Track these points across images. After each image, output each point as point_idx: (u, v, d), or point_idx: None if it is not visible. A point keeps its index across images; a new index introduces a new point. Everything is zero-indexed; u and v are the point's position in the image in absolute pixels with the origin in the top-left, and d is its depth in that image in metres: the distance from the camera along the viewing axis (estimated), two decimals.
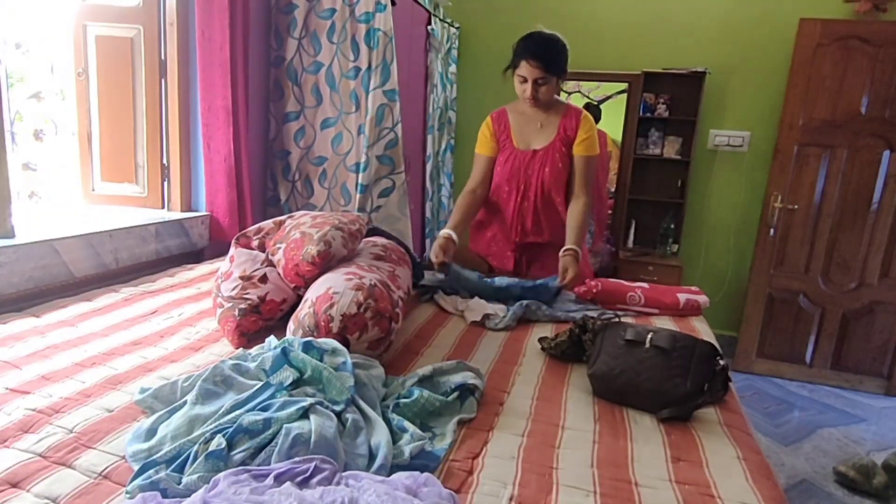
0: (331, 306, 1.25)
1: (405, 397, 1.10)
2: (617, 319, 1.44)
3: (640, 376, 1.18)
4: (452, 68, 3.65)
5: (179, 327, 1.48)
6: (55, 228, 1.73)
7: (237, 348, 1.35)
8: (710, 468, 0.99)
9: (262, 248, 1.63)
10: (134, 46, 2.11)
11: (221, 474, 0.80)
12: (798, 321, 3.17)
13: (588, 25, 3.46)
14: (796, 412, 2.83)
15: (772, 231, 3.11)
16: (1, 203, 1.56)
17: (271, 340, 1.22)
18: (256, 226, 1.70)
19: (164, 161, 2.20)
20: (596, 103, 3.54)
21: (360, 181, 2.45)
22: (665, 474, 0.96)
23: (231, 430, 0.89)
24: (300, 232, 1.52)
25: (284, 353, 1.09)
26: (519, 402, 1.20)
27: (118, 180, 2.20)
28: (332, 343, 1.15)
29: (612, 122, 3.54)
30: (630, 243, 3.50)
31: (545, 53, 1.92)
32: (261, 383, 1.04)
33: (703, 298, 1.89)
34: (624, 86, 3.46)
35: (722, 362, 1.22)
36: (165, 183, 2.22)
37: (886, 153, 2.92)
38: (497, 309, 1.71)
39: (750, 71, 3.27)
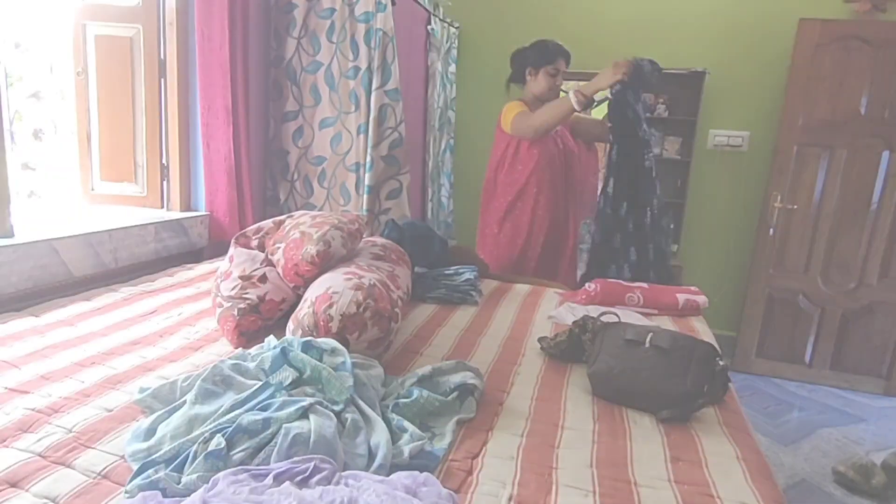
0: (330, 306, 1.25)
1: (405, 397, 1.10)
2: (617, 319, 1.44)
3: (639, 376, 1.18)
4: (452, 68, 3.65)
5: (179, 327, 1.48)
6: (54, 228, 1.72)
7: (236, 348, 1.35)
8: (710, 468, 0.99)
9: (261, 247, 1.63)
10: (133, 46, 2.11)
11: (221, 474, 0.80)
12: (797, 321, 3.17)
13: (587, 25, 3.46)
14: (795, 412, 2.83)
15: (771, 231, 3.11)
16: (0, 203, 1.56)
17: (270, 340, 1.22)
18: (256, 225, 1.70)
19: (164, 161, 2.20)
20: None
21: (365, 182, 2.44)
22: (664, 474, 0.96)
23: (230, 429, 0.89)
24: (299, 232, 1.52)
25: (284, 352, 1.09)
26: (518, 402, 1.20)
27: (117, 180, 2.20)
28: (332, 343, 1.15)
29: None
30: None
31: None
32: (260, 383, 1.04)
33: (702, 298, 1.89)
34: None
35: (721, 363, 1.22)
36: (165, 182, 2.22)
37: (886, 153, 2.92)
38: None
39: (749, 71, 3.27)
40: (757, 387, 3.10)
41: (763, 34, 3.20)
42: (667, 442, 1.07)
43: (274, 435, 0.89)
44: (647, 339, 1.22)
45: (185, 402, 1.01)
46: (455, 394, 1.13)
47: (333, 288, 1.29)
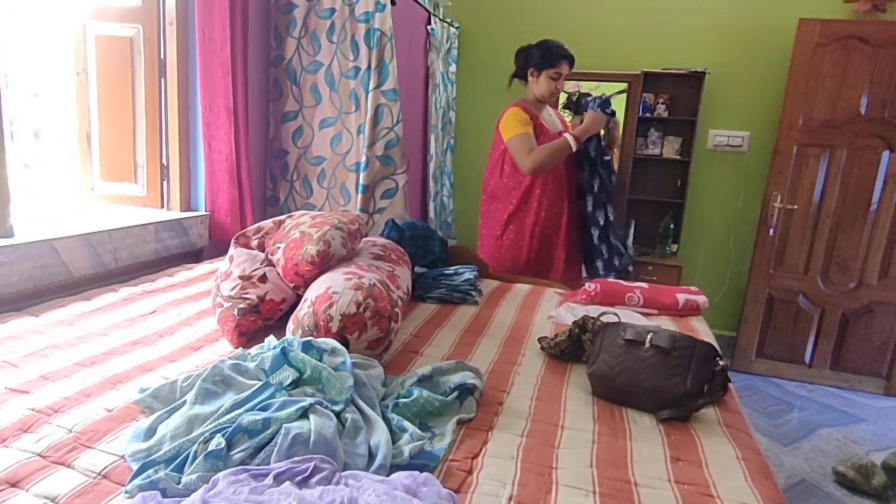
0: (330, 306, 1.25)
1: (405, 397, 1.10)
2: (617, 319, 1.44)
3: (639, 376, 1.18)
4: (452, 68, 3.65)
5: (179, 327, 1.48)
6: (54, 228, 1.72)
7: (236, 348, 1.35)
8: (710, 468, 0.99)
9: (261, 247, 1.63)
10: (133, 46, 2.11)
11: (221, 474, 0.80)
12: (797, 321, 3.17)
13: (587, 25, 3.46)
14: (796, 412, 2.83)
15: (771, 231, 3.11)
16: (0, 202, 1.56)
17: (270, 340, 1.22)
18: (256, 225, 1.70)
19: (164, 160, 2.20)
20: (581, 93, 3.54)
21: (361, 181, 2.45)
22: (664, 474, 0.96)
23: (230, 429, 0.89)
24: (300, 231, 1.52)
25: (284, 352, 1.09)
26: (518, 401, 1.20)
27: (117, 180, 2.20)
28: (332, 343, 1.15)
29: None
30: (629, 243, 3.50)
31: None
32: (260, 383, 1.04)
33: (702, 299, 1.89)
34: (623, 86, 3.46)
35: (721, 363, 1.22)
36: (165, 182, 2.22)
37: (886, 153, 2.92)
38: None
39: (749, 71, 3.27)
40: (757, 387, 3.10)
41: (763, 34, 3.20)
42: (667, 442, 1.07)
43: (274, 435, 0.89)
44: (647, 339, 1.22)
45: (185, 402, 1.01)
46: (455, 394, 1.14)
47: (333, 288, 1.29)
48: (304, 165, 2.57)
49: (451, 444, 1.01)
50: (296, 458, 0.84)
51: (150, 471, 0.84)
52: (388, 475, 0.86)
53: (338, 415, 0.98)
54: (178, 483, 0.82)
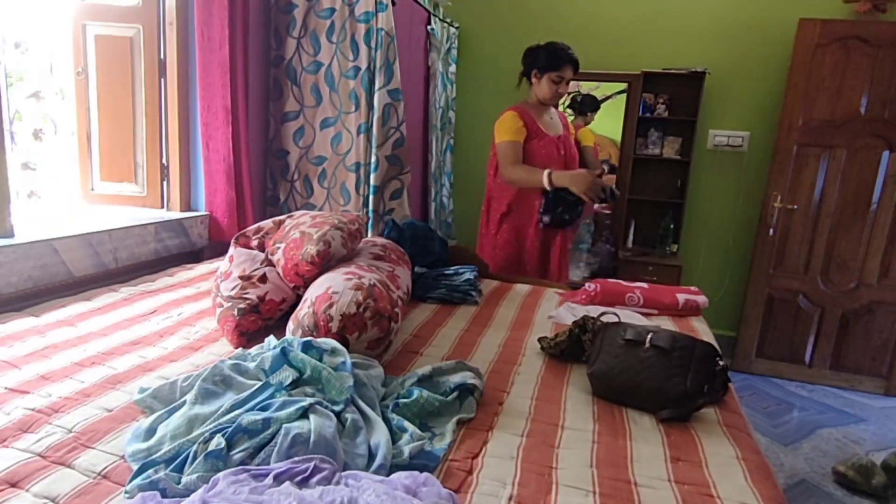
0: (330, 306, 1.25)
1: (405, 397, 1.10)
2: (617, 319, 1.44)
3: (639, 376, 1.18)
4: (452, 68, 3.65)
5: (179, 327, 1.48)
6: (54, 228, 1.72)
7: (236, 348, 1.35)
8: (710, 468, 0.99)
9: (261, 247, 1.63)
10: (133, 46, 2.11)
11: (221, 474, 0.80)
12: (797, 321, 3.17)
13: (587, 25, 3.46)
14: (795, 412, 2.83)
15: (771, 231, 3.11)
16: (0, 202, 1.56)
17: (270, 340, 1.22)
18: (256, 225, 1.70)
19: (164, 161, 2.20)
20: (584, 94, 3.54)
21: (371, 182, 2.44)
22: (664, 474, 0.96)
23: (230, 429, 0.89)
24: (299, 232, 1.52)
25: (284, 352, 1.09)
26: (518, 401, 1.20)
27: (117, 180, 2.20)
28: (332, 343, 1.15)
29: (612, 123, 3.54)
30: (629, 243, 3.50)
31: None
32: (260, 383, 1.04)
33: (702, 299, 1.89)
34: (623, 86, 3.46)
35: (721, 363, 1.22)
36: (165, 182, 2.22)
37: (886, 153, 2.92)
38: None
39: (749, 71, 3.27)
40: (757, 387, 3.10)
41: (763, 34, 3.20)
42: (667, 442, 1.07)
43: (274, 435, 0.89)
44: (647, 339, 1.22)
45: (184, 402, 1.01)
46: (455, 394, 1.14)
47: (333, 288, 1.29)
48: (305, 165, 2.57)
49: (451, 444, 1.01)
50: (296, 459, 0.84)
51: (150, 471, 0.84)
52: (388, 475, 0.86)
53: (338, 415, 0.98)
54: (178, 483, 0.82)
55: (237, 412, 0.95)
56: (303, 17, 2.45)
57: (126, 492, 0.82)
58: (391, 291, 1.39)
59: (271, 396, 0.99)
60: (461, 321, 1.68)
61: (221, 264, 1.58)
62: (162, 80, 2.14)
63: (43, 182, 2.27)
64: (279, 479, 0.81)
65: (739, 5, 3.22)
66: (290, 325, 1.32)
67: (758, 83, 3.27)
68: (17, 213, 1.63)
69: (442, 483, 0.87)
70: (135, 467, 0.86)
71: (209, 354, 1.32)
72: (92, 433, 0.96)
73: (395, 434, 1.00)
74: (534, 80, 2.34)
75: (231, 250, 1.60)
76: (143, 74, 2.12)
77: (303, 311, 1.30)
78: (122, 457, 0.91)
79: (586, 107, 3.49)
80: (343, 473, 0.84)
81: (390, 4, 2.38)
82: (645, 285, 1.96)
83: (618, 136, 3.55)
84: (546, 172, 2.18)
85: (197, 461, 0.84)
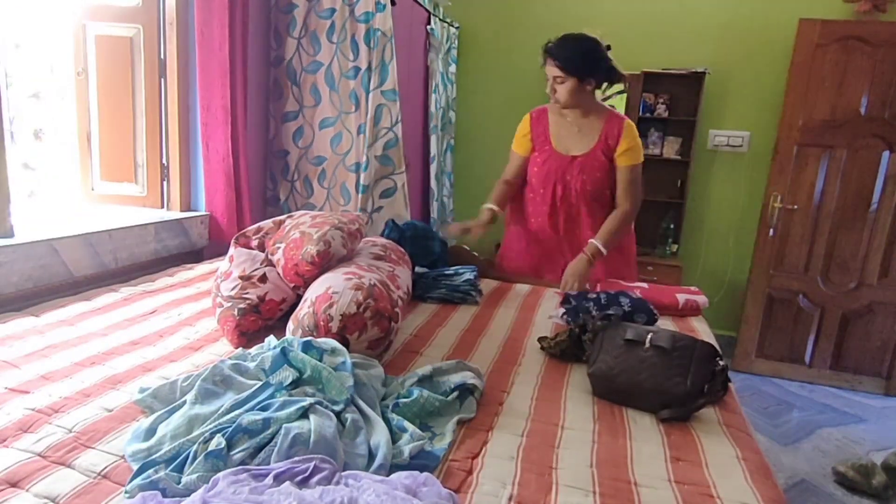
0: (330, 306, 1.25)
1: (405, 397, 1.10)
2: (617, 319, 1.44)
3: (639, 376, 1.18)
4: (452, 68, 3.65)
5: (179, 327, 1.48)
6: (54, 228, 1.72)
7: (236, 348, 1.35)
8: (710, 468, 0.99)
9: (261, 247, 1.63)
10: (133, 46, 2.11)
11: (221, 474, 0.80)
12: (797, 321, 3.17)
13: (587, 26, 3.45)
14: (796, 412, 2.83)
15: (771, 231, 3.11)
16: (0, 202, 1.56)
17: (271, 340, 1.22)
18: (256, 225, 1.70)
19: (164, 161, 2.20)
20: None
21: (361, 181, 2.45)
22: (664, 474, 0.96)
23: (230, 429, 0.89)
24: (300, 231, 1.52)
25: (284, 352, 1.09)
26: (518, 401, 1.20)
27: (118, 180, 2.20)
28: (332, 343, 1.15)
29: None
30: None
31: (562, 52, 1.94)
32: (260, 383, 1.04)
33: (702, 299, 1.89)
34: (623, 86, 3.46)
35: (722, 363, 1.22)
36: (165, 182, 2.22)
37: (886, 153, 2.92)
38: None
39: (749, 71, 3.27)
40: (757, 387, 3.10)
41: (763, 34, 3.20)
42: (667, 442, 1.07)
43: (274, 435, 0.89)
44: (648, 339, 1.22)
45: (185, 401, 1.01)
46: (455, 394, 1.13)
47: (334, 288, 1.29)
48: (304, 165, 2.57)
49: (451, 444, 1.01)
50: (296, 458, 0.84)
51: (150, 471, 0.84)
52: (388, 475, 0.86)
53: (338, 415, 0.98)
54: (178, 483, 0.82)
55: (237, 412, 0.95)
56: (303, 18, 2.45)
57: (126, 492, 0.82)
58: (391, 291, 1.39)
59: (271, 396, 0.99)
60: (461, 321, 1.68)
61: (221, 264, 1.58)
62: (162, 80, 2.14)
63: (43, 182, 2.27)
64: (279, 478, 0.81)
65: (739, 5, 3.22)
66: (290, 325, 1.32)
67: (758, 83, 3.27)
68: (17, 213, 1.63)
69: (442, 483, 0.87)
70: (135, 467, 0.86)
71: (209, 354, 1.32)
72: (92, 433, 0.96)
73: (395, 434, 1.00)
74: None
75: (231, 250, 1.60)
76: (143, 74, 2.12)
77: (303, 310, 1.30)
78: (123, 457, 0.91)
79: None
80: (343, 473, 0.84)
81: (389, 5, 2.38)
82: (645, 285, 1.96)
83: None
84: (486, 206, 1.99)
85: (197, 461, 0.84)
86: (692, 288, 1.95)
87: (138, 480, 0.82)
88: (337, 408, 0.99)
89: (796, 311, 3.16)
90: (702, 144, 3.38)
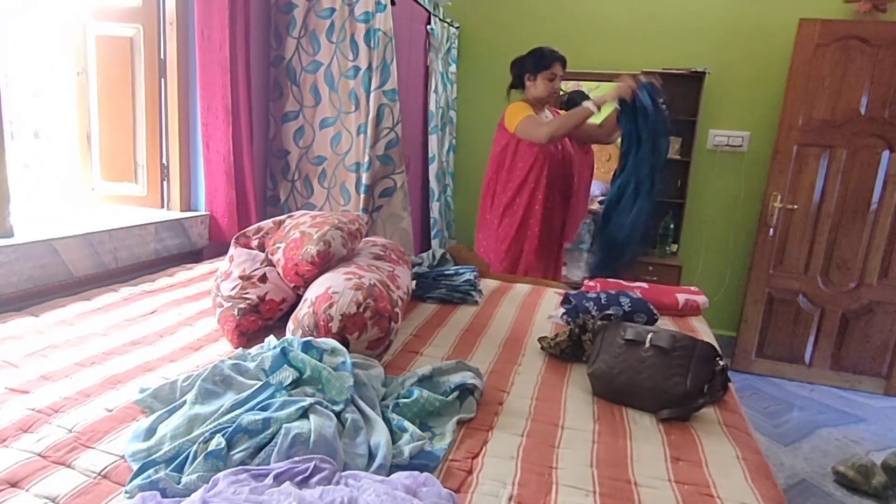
0: (330, 306, 1.25)
1: (405, 397, 1.10)
2: (617, 319, 1.44)
3: (639, 376, 1.18)
4: (452, 68, 3.65)
5: (179, 327, 1.48)
6: (54, 228, 1.72)
7: (236, 348, 1.35)
8: (710, 468, 0.99)
9: (261, 247, 1.63)
10: (134, 46, 2.11)
11: (221, 474, 0.80)
12: (797, 321, 3.17)
13: (587, 26, 3.46)
14: (795, 412, 2.83)
15: (771, 231, 3.11)
16: (0, 202, 1.56)
17: (270, 340, 1.22)
18: (256, 225, 1.70)
19: (164, 160, 2.20)
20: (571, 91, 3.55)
21: (363, 181, 2.45)
22: (664, 474, 0.96)
23: (230, 429, 0.89)
24: (300, 231, 1.52)
25: (284, 352, 1.09)
26: (518, 401, 1.20)
27: (118, 180, 2.20)
28: (332, 343, 1.15)
29: None
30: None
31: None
32: (260, 383, 1.04)
33: (702, 299, 1.89)
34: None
35: (721, 363, 1.22)
36: (165, 182, 2.22)
37: (886, 153, 2.92)
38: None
39: (749, 71, 3.27)
40: (757, 387, 3.10)
41: (763, 34, 3.20)
42: (667, 442, 1.07)
43: (274, 435, 0.89)
44: (648, 339, 1.22)
45: (185, 401, 1.01)
46: (455, 394, 1.14)
47: (334, 288, 1.29)
48: (305, 165, 2.57)
49: (451, 444, 1.01)
50: (296, 458, 0.84)
51: (150, 471, 0.84)
52: (388, 475, 0.86)
53: (338, 415, 0.98)
54: (178, 483, 0.82)
55: (237, 412, 0.95)
56: (303, 17, 2.45)
57: (126, 492, 0.82)
58: (391, 291, 1.39)
59: (271, 396, 0.99)
60: (461, 321, 1.68)
61: (221, 264, 1.58)
62: (162, 79, 2.14)
63: (43, 182, 2.27)
64: (279, 479, 0.81)
65: (739, 5, 3.22)
66: (290, 325, 1.32)
67: (758, 83, 3.27)
68: (16, 213, 1.63)
69: (442, 483, 0.87)
70: (135, 467, 0.86)
71: (209, 354, 1.32)
72: (92, 433, 0.96)
73: (395, 434, 1.00)
74: (528, 83, 2.48)
75: (231, 250, 1.60)
76: (143, 74, 2.12)
77: (303, 310, 1.30)
78: (122, 457, 0.91)
79: (575, 103, 3.49)
80: (343, 473, 0.84)
81: (389, 5, 2.38)
82: (645, 285, 1.96)
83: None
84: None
85: (197, 461, 0.84)
86: (692, 288, 1.95)
87: (138, 480, 0.82)
88: (337, 408, 0.99)
89: (796, 311, 3.16)
90: (702, 144, 3.38)
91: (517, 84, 2.53)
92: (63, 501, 0.80)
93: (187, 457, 0.86)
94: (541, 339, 1.49)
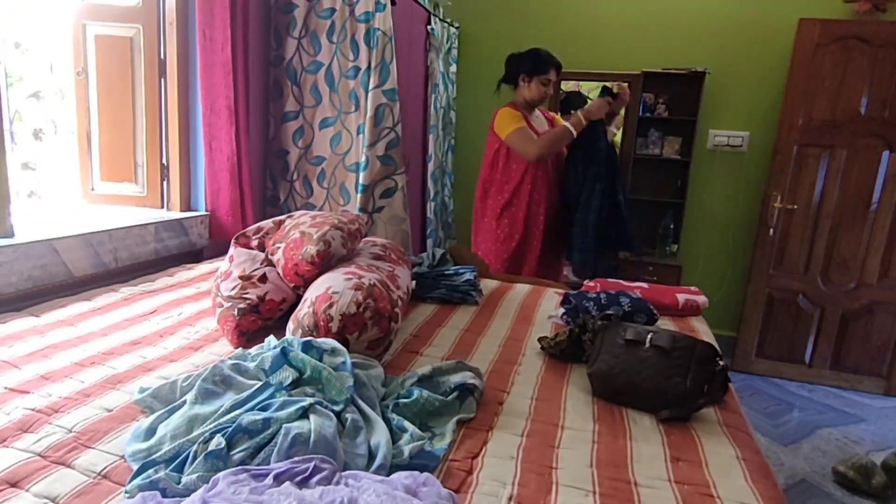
0: (330, 306, 1.25)
1: (405, 397, 1.10)
2: (617, 318, 1.44)
3: (639, 376, 1.18)
4: (452, 68, 3.65)
5: (179, 327, 1.48)
6: (54, 228, 1.72)
7: (236, 348, 1.35)
8: (710, 468, 0.99)
9: (261, 247, 1.63)
10: (133, 46, 2.11)
11: (221, 474, 0.80)
12: (797, 321, 3.17)
13: (587, 26, 3.46)
14: (796, 412, 2.83)
15: (771, 231, 3.11)
16: (0, 202, 1.56)
17: (271, 340, 1.22)
18: (256, 225, 1.70)
19: (164, 160, 2.20)
20: (569, 91, 3.58)
21: (360, 181, 2.44)
22: (664, 474, 0.96)
23: (230, 429, 0.89)
24: (300, 231, 1.52)
25: (284, 352, 1.09)
26: (518, 401, 1.20)
27: (117, 180, 2.20)
28: (332, 343, 1.15)
29: None
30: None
31: None
32: (260, 383, 1.04)
33: (702, 299, 1.89)
34: (623, 86, 3.46)
35: (721, 363, 1.22)
36: (165, 182, 2.22)
37: (886, 153, 2.92)
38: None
39: (749, 71, 3.27)
40: (757, 387, 3.10)
41: (763, 34, 3.20)
42: (667, 442, 1.07)
43: (274, 435, 0.89)
44: (648, 340, 1.22)
45: (185, 401, 1.01)
46: (455, 394, 1.14)
47: (333, 288, 1.29)
48: (304, 165, 2.57)
49: (451, 444, 1.01)
50: (296, 458, 0.84)
51: (150, 471, 0.84)
52: (388, 475, 0.86)
53: (338, 415, 0.98)
54: (178, 483, 0.82)
55: (237, 412, 0.95)
56: (303, 18, 2.45)
57: (126, 492, 0.82)
58: (391, 291, 1.39)
59: (271, 396, 0.99)
60: (461, 321, 1.68)
61: (221, 264, 1.58)
62: (162, 79, 2.14)
63: (43, 182, 2.27)
64: (279, 479, 0.81)
65: (739, 5, 3.22)
66: (290, 325, 1.32)
67: (758, 83, 3.27)
68: (17, 213, 1.63)
69: (442, 483, 0.87)
70: (135, 467, 0.86)
71: (209, 354, 1.32)
72: (92, 433, 0.96)
73: (395, 434, 1.00)
74: (522, 83, 2.50)
75: (231, 250, 1.60)
76: (143, 74, 2.12)
77: (303, 310, 1.30)
78: (122, 457, 0.91)
79: (572, 104, 3.53)
80: (343, 473, 0.84)
81: (389, 4, 2.38)
82: (645, 285, 1.96)
83: (618, 136, 3.54)
84: (565, 124, 2.42)
85: (197, 461, 0.84)
86: (692, 288, 1.95)
87: (138, 480, 0.82)
88: (337, 408, 0.99)
89: (796, 311, 3.16)
90: (702, 144, 3.38)
91: (509, 80, 2.55)
92: (63, 501, 0.80)
93: (187, 457, 0.86)
94: (541, 339, 1.49)
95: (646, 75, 3.30)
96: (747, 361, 3.26)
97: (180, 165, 2.20)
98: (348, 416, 0.98)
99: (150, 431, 0.95)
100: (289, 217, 1.68)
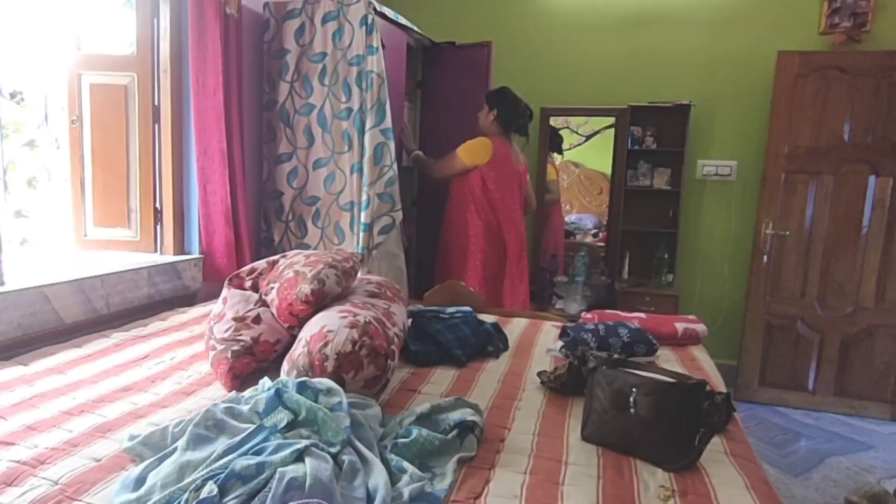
0: (325, 345, 1.23)
1: (403, 437, 1.07)
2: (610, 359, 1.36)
3: (631, 437, 1.12)
4: None
5: (171, 371, 1.45)
6: (46, 274, 1.71)
7: (230, 391, 1.32)
8: (719, 501, 0.96)
9: (255, 288, 1.62)
10: (128, 93, 2.14)
11: None
12: (798, 347, 3.15)
13: (574, 62, 3.55)
14: (803, 441, 2.78)
15: (765, 258, 3.12)
16: None
17: (265, 382, 1.20)
18: (249, 266, 1.69)
19: (157, 205, 2.20)
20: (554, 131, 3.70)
21: (362, 220, 2.45)
22: None
23: (223, 475, 0.86)
24: (294, 270, 1.51)
25: (278, 394, 1.06)
26: (520, 438, 1.17)
27: (110, 225, 2.20)
28: (327, 382, 1.13)
29: (601, 156, 3.60)
30: (625, 274, 3.50)
31: None
32: (254, 426, 1.01)
33: (701, 327, 1.88)
34: (611, 120, 3.53)
35: (718, 397, 1.18)
36: (158, 226, 2.22)
37: (872, 178, 2.97)
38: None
39: (733, 102, 3.35)
40: (762, 416, 3.05)
41: (744, 67, 3.29)
42: (674, 476, 1.04)
43: (268, 480, 0.86)
44: (632, 402, 1.12)
45: (176, 448, 0.98)
46: (455, 432, 1.11)
47: (328, 326, 1.27)
48: (299, 205, 2.58)
49: (453, 485, 0.98)
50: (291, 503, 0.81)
51: None
52: None
53: (334, 457, 0.95)
54: None
55: (230, 457, 0.92)
56: (295, 62, 2.50)
57: None
58: (387, 328, 1.38)
59: (265, 439, 0.96)
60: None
61: (215, 306, 1.57)
62: (156, 125, 2.17)
63: (36, 229, 2.27)
64: None
65: (720, 40, 3.32)
66: (285, 366, 1.30)
67: (742, 114, 3.34)
68: (8, 261, 1.62)
69: None
70: None
71: (202, 399, 1.29)
72: (79, 485, 0.93)
73: (393, 475, 0.97)
74: (489, 113, 2.80)
75: (224, 291, 1.59)
76: (137, 120, 2.15)
77: (297, 350, 1.28)
78: None
79: (558, 140, 3.67)
80: None
81: (381, 48, 2.44)
82: (643, 315, 1.95)
83: (608, 169, 3.59)
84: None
85: None
86: (691, 317, 1.94)
87: None
88: (333, 449, 0.96)
89: (796, 338, 3.14)
90: (691, 174, 3.43)
91: (488, 100, 2.82)
92: None
93: None
94: (540, 374, 1.47)
95: (633, 109, 3.37)
96: (750, 390, 3.22)
97: (174, 209, 2.21)
98: (345, 457, 0.95)
99: (140, 481, 0.92)
100: (283, 257, 1.68)
